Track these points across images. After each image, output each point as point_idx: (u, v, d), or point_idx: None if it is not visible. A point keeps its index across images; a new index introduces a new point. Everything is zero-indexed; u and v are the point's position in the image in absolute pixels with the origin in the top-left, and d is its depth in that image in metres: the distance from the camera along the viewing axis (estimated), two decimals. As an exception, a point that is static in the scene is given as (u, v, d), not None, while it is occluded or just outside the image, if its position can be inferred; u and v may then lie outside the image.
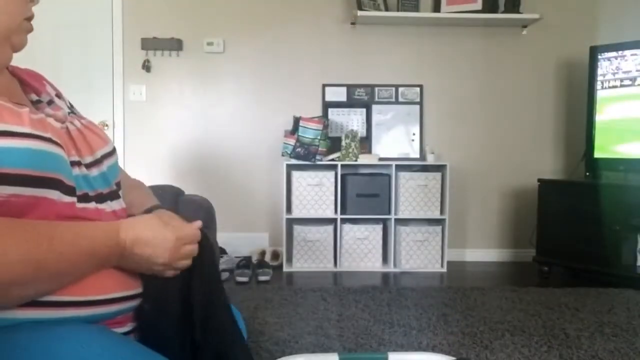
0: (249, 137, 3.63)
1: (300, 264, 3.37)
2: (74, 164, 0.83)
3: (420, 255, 3.39)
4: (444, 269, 3.38)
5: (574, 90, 3.66)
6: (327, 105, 3.62)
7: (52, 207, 0.76)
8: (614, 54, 3.18)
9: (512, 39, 3.66)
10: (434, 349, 2.01)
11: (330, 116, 3.60)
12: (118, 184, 0.96)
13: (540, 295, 2.74)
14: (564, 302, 2.63)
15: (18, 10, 0.83)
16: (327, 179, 3.35)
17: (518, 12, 3.50)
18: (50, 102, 0.92)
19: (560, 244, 3.16)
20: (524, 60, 3.68)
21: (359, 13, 3.41)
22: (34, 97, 0.91)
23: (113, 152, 0.96)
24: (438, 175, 3.40)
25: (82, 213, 0.81)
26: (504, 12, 3.52)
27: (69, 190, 0.79)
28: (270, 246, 3.59)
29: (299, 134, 3.32)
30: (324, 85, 3.62)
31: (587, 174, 3.28)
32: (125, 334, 0.84)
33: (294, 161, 3.35)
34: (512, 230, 3.74)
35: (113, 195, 0.91)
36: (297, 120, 3.36)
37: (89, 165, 0.87)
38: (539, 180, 3.32)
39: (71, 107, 0.99)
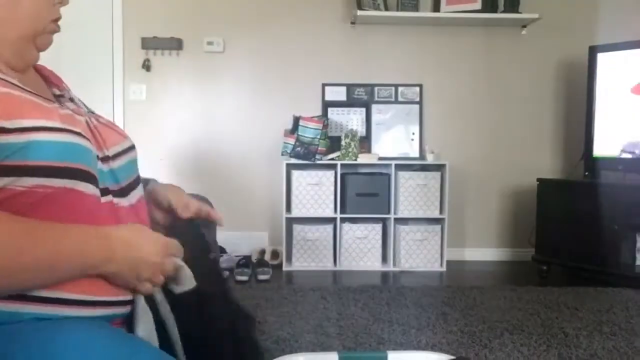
0: (249, 136, 3.63)
1: (299, 263, 3.38)
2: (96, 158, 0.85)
3: (420, 254, 3.40)
4: (443, 268, 3.38)
5: (573, 90, 3.66)
6: (326, 105, 3.63)
7: (80, 198, 0.78)
8: (613, 53, 3.18)
9: (512, 38, 3.66)
10: (433, 347, 2.01)
11: (329, 115, 3.60)
12: (138, 178, 0.97)
13: (539, 295, 2.74)
14: (562, 301, 2.64)
15: (44, 13, 0.85)
16: (327, 178, 3.36)
17: (517, 11, 3.50)
18: (71, 99, 0.95)
19: (559, 243, 3.16)
20: (523, 60, 3.68)
21: (359, 13, 3.41)
22: (57, 91, 0.93)
23: (132, 147, 0.98)
24: (437, 174, 3.40)
25: (102, 206, 0.83)
26: (503, 11, 3.52)
27: (95, 183, 0.82)
28: (270, 245, 3.60)
29: (299, 133, 3.33)
30: (323, 85, 3.63)
31: (586, 173, 3.29)
32: None
33: (293, 160, 3.35)
34: (511, 230, 3.75)
35: (131, 187, 0.93)
36: (296, 120, 3.36)
37: (107, 159, 0.88)
38: (538, 179, 3.32)
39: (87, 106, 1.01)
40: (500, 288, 2.88)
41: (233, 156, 3.65)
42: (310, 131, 3.31)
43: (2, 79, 0.77)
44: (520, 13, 3.50)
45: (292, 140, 3.34)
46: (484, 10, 3.48)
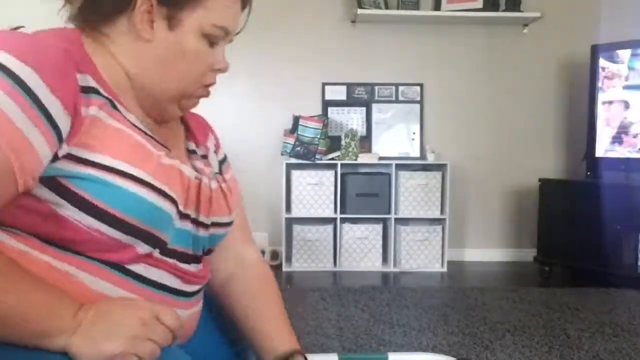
0: (248, 135, 3.61)
1: (299, 264, 3.36)
2: (184, 216, 0.77)
3: (421, 255, 3.38)
4: (444, 269, 3.36)
5: (575, 89, 3.64)
6: (326, 104, 3.61)
7: (129, 251, 0.71)
8: (615, 52, 3.16)
9: (513, 37, 3.64)
10: (434, 349, 1.99)
11: (330, 115, 3.59)
12: (210, 250, 0.88)
13: (541, 295, 2.73)
14: (564, 302, 2.62)
15: (200, 77, 0.79)
16: (327, 178, 3.34)
17: (519, 10, 3.49)
18: (204, 157, 0.89)
19: (561, 243, 3.14)
20: (525, 59, 3.66)
21: (359, 11, 3.40)
22: (192, 146, 0.88)
23: (229, 224, 0.89)
24: (438, 174, 3.38)
25: (153, 262, 0.74)
26: (504, 10, 3.51)
27: (156, 243, 0.74)
28: (270, 246, 3.58)
29: (299, 132, 3.31)
30: (323, 84, 3.61)
31: (588, 173, 3.27)
32: None
33: (293, 160, 3.34)
34: (513, 230, 3.73)
35: (199, 258, 0.84)
36: (296, 119, 3.35)
37: (199, 224, 0.81)
38: (540, 179, 3.30)
39: (222, 162, 0.95)
40: (501, 289, 2.87)
41: (232, 156, 3.60)
42: (310, 131, 3.29)
43: (126, 118, 0.72)
44: (522, 12, 3.48)
45: (291, 140, 3.33)
46: (485, 8, 3.46)
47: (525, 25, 3.61)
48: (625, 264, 2.93)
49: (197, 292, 0.84)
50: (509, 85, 3.67)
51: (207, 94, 0.84)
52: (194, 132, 0.90)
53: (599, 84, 3.22)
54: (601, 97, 3.21)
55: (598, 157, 3.23)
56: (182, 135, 0.88)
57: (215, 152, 0.95)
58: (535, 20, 3.53)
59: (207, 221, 0.82)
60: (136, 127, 0.73)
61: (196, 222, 0.80)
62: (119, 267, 0.71)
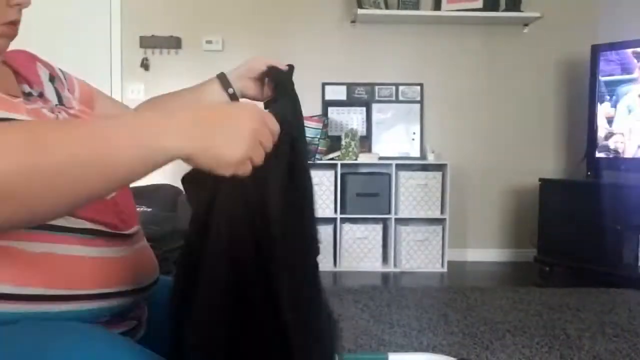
0: (248, 136, 3.61)
1: (299, 264, 3.35)
2: None
3: (421, 255, 3.37)
4: (445, 269, 3.36)
5: (575, 89, 3.64)
6: (326, 104, 3.60)
7: None
8: (615, 52, 3.16)
9: (513, 37, 3.64)
10: (434, 349, 1.99)
11: (329, 115, 3.58)
12: None
13: (541, 296, 2.72)
14: (565, 302, 2.61)
15: None
16: (327, 178, 3.33)
17: (519, 10, 3.48)
18: (40, 95, 0.89)
19: (562, 243, 3.14)
20: (525, 58, 3.65)
21: (359, 11, 3.39)
22: (27, 88, 0.87)
23: None
24: (438, 174, 3.38)
25: None
26: (504, 10, 3.50)
27: None
28: (270, 246, 3.57)
29: (299, 132, 3.30)
30: (323, 84, 3.61)
31: (589, 173, 3.26)
32: (123, 334, 0.79)
33: (293, 160, 3.33)
34: (513, 230, 3.72)
35: None
36: (296, 119, 3.34)
37: None
38: (540, 179, 3.30)
39: (61, 95, 0.94)
40: (501, 289, 2.86)
41: (232, 156, 3.62)
42: (310, 131, 3.29)
43: None
44: (522, 12, 3.48)
45: (291, 140, 3.32)
46: (485, 8, 3.46)
47: (526, 25, 3.61)
48: (626, 263, 2.93)
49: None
50: (509, 85, 3.67)
51: (13, 33, 0.80)
52: (22, 74, 0.87)
53: (599, 83, 3.21)
54: (601, 96, 3.21)
55: (598, 157, 3.22)
56: (13, 80, 0.86)
57: (52, 79, 0.92)
58: (535, 20, 3.52)
59: None
60: None
61: None
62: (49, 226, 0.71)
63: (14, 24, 0.79)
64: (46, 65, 0.95)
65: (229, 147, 0.60)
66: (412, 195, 3.36)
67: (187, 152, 0.60)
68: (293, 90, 0.94)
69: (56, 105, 0.88)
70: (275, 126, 0.65)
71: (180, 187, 1.11)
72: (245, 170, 0.62)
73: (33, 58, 0.93)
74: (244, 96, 1.10)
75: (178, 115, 0.61)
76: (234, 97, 1.08)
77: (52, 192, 0.54)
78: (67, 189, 0.55)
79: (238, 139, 0.60)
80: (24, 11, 0.82)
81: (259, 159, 0.62)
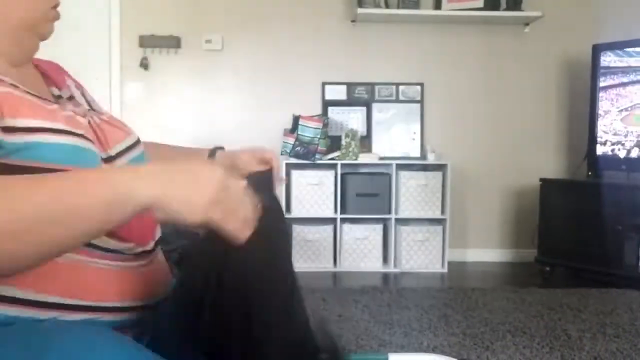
0: (248, 135, 3.60)
1: (299, 264, 3.34)
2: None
3: (421, 255, 3.36)
4: (445, 269, 3.35)
5: (576, 89, 3.63)
6: (326, 104, 3.60)
7: None
8: (616, 52, 3.15)
9: (514, 37, 3.63)
10: (434, 350, 1.99)
11: (330, 115, 3.57)
12: None
13: (542, 296, 2.71)
14: (565, 302, 2.61)
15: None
16: (327, 178, 3.33)
17: (520, 9, 3.48)
18: (70, 98, 0.90)
19: (563, 244, 3.13)
20: (525, 58, 3.65)
21: (359, 10, 3.39)
22: (56, 91, 0.89)
23: (136, 143, 0.93)
24: (439, 174, 3.37)
25: None
26: (505, 9, 3.49)
27: None
28: (270, 246, 3.56)
29: (299, 132, 3.30)
30: (323, 84, 3.60)
31: (590, 173, 3.26)
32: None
33: (293, 160, 3.33)
34: (514, 230, 3.71)
35: None
36: (296, 119, 3.33)
37: (111, 160, 0.84)
38: (541, 179, 3.29)
39: (90, 102, 0.97)
40: (502, 289, 2.86)
41: (232, 156, 3.61)
42: (310, 130, 3.28)
43: (2, 80, 0.73)
44: (523, 11, 3.47)
45: (291, 140, 3.32)
46: (486, 8, 3.45)
47: (526, 24, 3.60)
48: (627, 264, 2.92)
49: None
50: (510, 85, 3.66)
51: (57, 16, 0.85)
52: (51, 76, 0.90)
53: (600, 83, 3.20)
54: (602, 96, 3.20)
55: (599, 157, 3.22)
56: (43, 84, 0.88)
57: (82, 93, 0.95)
58: (536, 19, 3.51)
59: (114, 152, 0.84)
60: (19, 87, 0.74)
61: (108, 159, 0.82)
62: None
63: (56, 7, 0.84)
64: (73, 79, 0.97)
65: (196, 191, 0.62)
66: (413, 195, 3.35)
67: (157, 196, 0.61)
68: (272, 193, 0.96)
69: (88, 110, 0.89)
70: (239, 180, 0.67)
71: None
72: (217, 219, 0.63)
73: (63, 70, 0.96)
74: None
75: (146, 166, 0.65)
76: None
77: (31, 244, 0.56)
78: (37, 242, 0.57)
79: (205, 184, 0.62)
80: None
81: (228, 205, 0.63)
